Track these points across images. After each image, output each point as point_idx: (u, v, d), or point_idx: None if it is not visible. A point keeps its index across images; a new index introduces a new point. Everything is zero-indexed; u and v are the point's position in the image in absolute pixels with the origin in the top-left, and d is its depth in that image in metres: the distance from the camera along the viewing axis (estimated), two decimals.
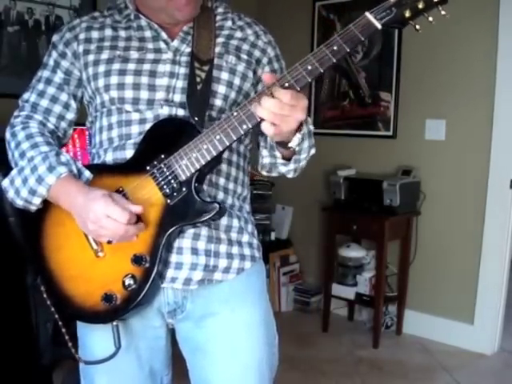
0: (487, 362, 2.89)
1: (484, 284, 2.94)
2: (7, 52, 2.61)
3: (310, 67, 0.96)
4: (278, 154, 1.08)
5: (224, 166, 1.14)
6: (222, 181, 1.14)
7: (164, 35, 1.12)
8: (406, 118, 3.19)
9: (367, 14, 0.95)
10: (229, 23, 1.18)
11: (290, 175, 1.18)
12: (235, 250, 1.15)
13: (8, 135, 1.13)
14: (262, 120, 0.95)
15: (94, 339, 1.14)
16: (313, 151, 1.13)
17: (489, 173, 2.89)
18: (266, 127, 0.94)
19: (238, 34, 1.17)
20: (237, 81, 1.13)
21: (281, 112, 0.93)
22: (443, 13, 0.96)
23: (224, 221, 1.14)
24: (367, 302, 3.14)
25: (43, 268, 1.09)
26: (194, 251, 1.10)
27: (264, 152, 1.13)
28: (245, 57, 1.15)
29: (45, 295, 1.09)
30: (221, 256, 1.13)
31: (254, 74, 1.17)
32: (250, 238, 1.19)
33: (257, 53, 1.17)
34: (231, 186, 1.17)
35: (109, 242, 1.03)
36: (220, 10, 1.19)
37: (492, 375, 2.76)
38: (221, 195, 1.14)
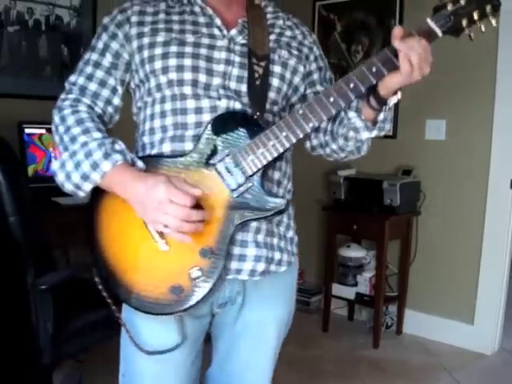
0: (487, 361, 2.89)
1: (484, 284, 2.95)
2: (7, 52, 2.61)
3: (374, 69, 1.00)
4: (362, 116, 1.08)
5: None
6: (277, 175, 1.15)
7: (218, 21, 1.13)
8: (405, 118, 3.19)
9: (429, 20, 0.98)
10: (280, 22, 1.22)
11: (364, 149, 1.19)
12: (283, 243, 1.19)
13: (57, 119, 1.09)
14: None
15: (150, 329, 1.13)
16: (388, 127, 1.13)
17: (489, 173, 2.89)
18: (412, 56, 0.99)
19: (288, 33, 1.21)
20: (288, 74, 1.16)
21: (423, 53, 1.00)
22: (493, 22, 1.00)
23: None
24: (367, 302, 3.14)
25: (100, 259, 1.08)
26: (257, 244, 1.12)
27: (351, 114, 1.10)
28: (295, 52, 1.19)
29: (100, 287, 1.08)
30: (276, 249, 1.16)
31: (304, 68, 1.20)
32: (293, 234, 1.23)
33: (305, 50, 1.22)
34: (285, 180, 1.19)
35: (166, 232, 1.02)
36: (270, 8, 1.23)
37: (492, 375, 2.76)
38: (275, 189, 1.15)
